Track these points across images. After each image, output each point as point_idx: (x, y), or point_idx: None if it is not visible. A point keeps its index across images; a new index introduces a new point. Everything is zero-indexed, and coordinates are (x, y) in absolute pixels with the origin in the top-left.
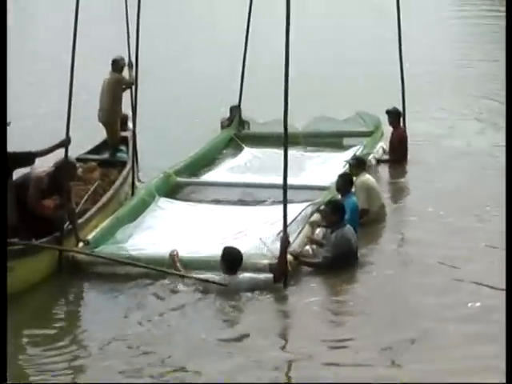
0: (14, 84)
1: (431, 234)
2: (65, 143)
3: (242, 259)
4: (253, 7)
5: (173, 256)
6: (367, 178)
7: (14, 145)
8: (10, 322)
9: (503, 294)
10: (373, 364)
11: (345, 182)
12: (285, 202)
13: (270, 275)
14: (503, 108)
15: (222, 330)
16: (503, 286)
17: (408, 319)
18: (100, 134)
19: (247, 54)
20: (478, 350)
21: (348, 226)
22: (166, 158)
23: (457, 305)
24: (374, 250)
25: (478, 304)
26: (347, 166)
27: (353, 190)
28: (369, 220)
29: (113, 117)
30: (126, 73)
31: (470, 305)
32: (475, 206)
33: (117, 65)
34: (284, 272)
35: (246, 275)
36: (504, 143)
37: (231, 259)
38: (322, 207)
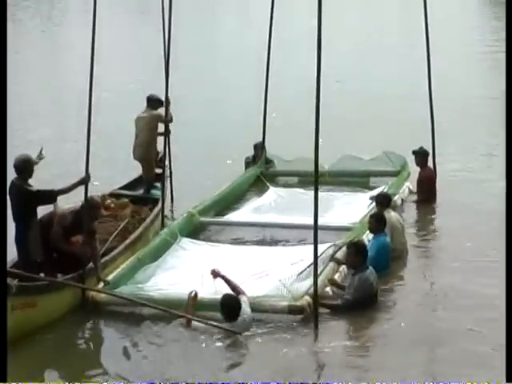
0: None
1: (455, 275)
2: (85, 181)
3: (240, 307)
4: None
5: (190, 297)
6: (392, 215)
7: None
8: (27, 355)
9: None
10: None
11: (377, 222)
12: (315, 244)
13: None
14: None
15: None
16: None
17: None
18: (134, 171)
19: (268, 86)
20: None
21: (370, 268)
22: (202, 195)
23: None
24: (394, 289)
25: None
26: (373, 202)
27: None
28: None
29: (149, 153)
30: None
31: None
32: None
33: (153, 102)
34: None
35: (247, 316)
36: None
37: (228, 310)
38: (345, 248)
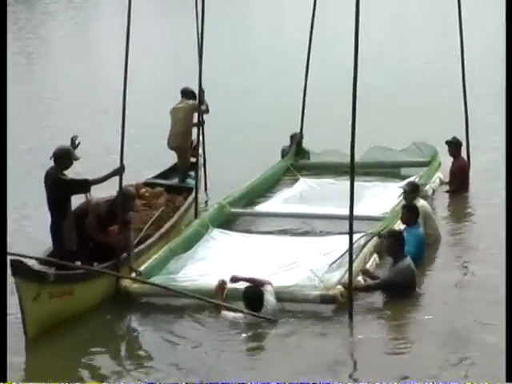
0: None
1: (488, 265)
2: (119, 171)
3: (262, 297)
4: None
5: (219, 286)
6: (422, 203)
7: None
8: (65, 342)
9: None
10: None
11: (410, 212)
12: (351, 233)
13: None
14: None
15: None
16: None
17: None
18: (167, 161)
19: (308, 79)
20: None
21: (409, 258)
22: (236, 184)
23: None
24: (429, 279)
25: None
26: (402, 191)
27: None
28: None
29: (186, 142)
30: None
31: None
32: None
33: (189, 93)
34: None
35: (270, 306)
36: None
37: (251, 301)
38: (382, 238)
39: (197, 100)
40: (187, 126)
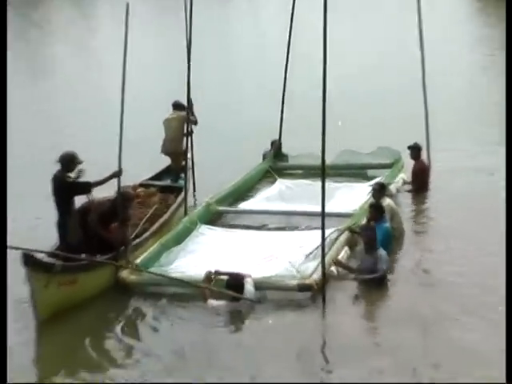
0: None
1: (446, 254)
2: (117, 174)
3: (242, 288)
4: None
5: (206, 277)
6: (388, 202)
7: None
8: (71, 327)
9: None
10: None
11: (376, 210)
12: (323, 228)
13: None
14: None
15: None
16: None
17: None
18: (159, 164)
19: (286, 88)
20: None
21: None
22: (221, 186)
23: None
24: (396, 270)
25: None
26: (371, 190)
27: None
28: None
29: (179, 148)
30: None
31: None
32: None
33: (179, 106)
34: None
35: (249, 294)
36: None
37: (234, 291)
38: (357, 231)
39: (186, 112)
40: (180, 133)
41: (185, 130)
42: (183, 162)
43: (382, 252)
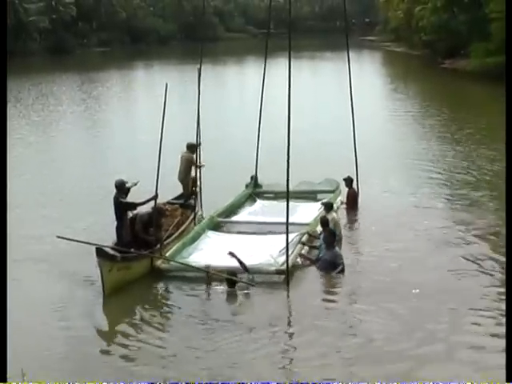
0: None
1: (371, 252)
2: (154, 198)
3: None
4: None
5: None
6: (334, 215)
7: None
8: (119, 304)
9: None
10: None
11: (323, 222)
12: (287, 233)
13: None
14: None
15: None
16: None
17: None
18: (178, 188)
19: (260, 140)
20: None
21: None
22: (219, 204)
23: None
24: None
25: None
26: (322, 206)
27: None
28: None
29: (186, 179)
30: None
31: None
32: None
33: (191, 148)
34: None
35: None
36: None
37: (229, 280)
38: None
39: (194, 154)
40: (187, 169)
41: (192, 169)
42: (192, 188)
43: (337, 249)
